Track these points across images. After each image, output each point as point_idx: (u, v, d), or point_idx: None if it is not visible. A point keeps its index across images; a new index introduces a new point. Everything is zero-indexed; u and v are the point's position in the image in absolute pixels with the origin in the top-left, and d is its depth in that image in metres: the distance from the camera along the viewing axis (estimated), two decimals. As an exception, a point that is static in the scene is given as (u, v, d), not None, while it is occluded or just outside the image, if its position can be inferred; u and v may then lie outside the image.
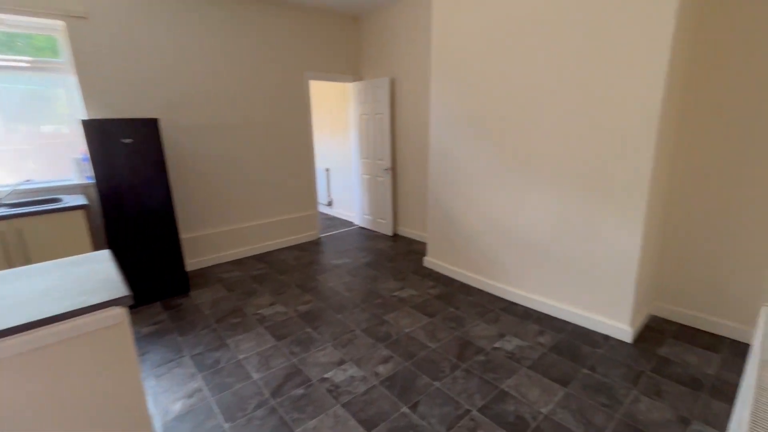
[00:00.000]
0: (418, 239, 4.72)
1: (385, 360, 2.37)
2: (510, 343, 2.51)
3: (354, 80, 4.95)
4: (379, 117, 4.72)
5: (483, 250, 3.26)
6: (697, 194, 2.49)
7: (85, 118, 3.10)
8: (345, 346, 2.52)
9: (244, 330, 2.75)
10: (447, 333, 2.65)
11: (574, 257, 2.66)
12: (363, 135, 5.02)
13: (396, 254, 4.25)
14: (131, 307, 3.12)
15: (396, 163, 4.81)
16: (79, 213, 2.80)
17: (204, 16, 3.63)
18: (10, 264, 2.58)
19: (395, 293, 3.28)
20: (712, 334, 2.54)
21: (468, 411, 1.94)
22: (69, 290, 1.26)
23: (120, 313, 1.21)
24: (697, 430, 1.79)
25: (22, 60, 2.97)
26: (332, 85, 5.54)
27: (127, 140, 2.93)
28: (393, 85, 4.58)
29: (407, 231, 4.87)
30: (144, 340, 2.64)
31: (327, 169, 6.05)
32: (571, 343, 2.49)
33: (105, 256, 1.61)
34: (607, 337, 2.54)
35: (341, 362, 2.35)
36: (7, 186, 2.93)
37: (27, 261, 2.63)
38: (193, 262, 3.93)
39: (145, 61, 3.38)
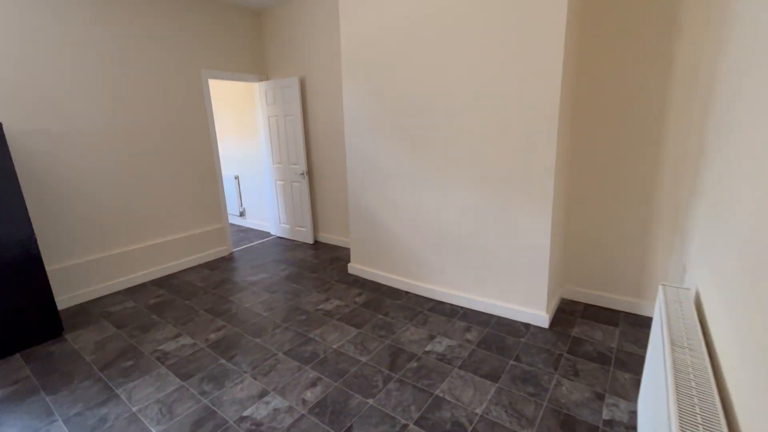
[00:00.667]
0: (341, 245, 4.55)
1: (313, 383, 2.16)
2: (440, 345, 2.48)
3: (260, 80, 4.59)
4: (290, 119, 4.44)
5: (407, 251, 3.22)
6: (590, 187, 2.73)
7: None
8: (266, 375, 2.24)
9: (140, 374, 2.29)
10: (377, 343, 2.53)
11: (492, 252, 2.74)
12: (274, 138, 4.68)
13: (319, 263, 4.02)
14: (-23, 366, 2.42)
15: (312, 166, 4.57)
16: None
17: (80, 3, 3.00)
18: None
19: (320, 306, 3.07)
20: (611, 310, 2.82)
21: (405, 426, 1.83)
22: None
23: None
24: (612, 404, 1.92)
25: None
26: (237, 86, 5.08)
27: (-46, 152, 2.26)
28: (303, 84, 4.34)
29: (329, 237, 4.67)
30: (-4, 409, 2.05)
31: (236, 177, 5.55)
32: (497, 336, 2.55)
33: None
34: (527, 326, 2.66)
35: (263, 394, 2.08)
36: None
37: None
38: (67, 298, 3.23)
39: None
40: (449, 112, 2.71)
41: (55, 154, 3.07)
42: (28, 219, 2.56)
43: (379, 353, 2.42)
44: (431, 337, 2.58)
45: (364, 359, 2.36)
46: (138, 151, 3.56)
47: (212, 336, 2.68)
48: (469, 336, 2.57)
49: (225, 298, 3.27)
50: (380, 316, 2.87)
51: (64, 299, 3.21)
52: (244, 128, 5.21)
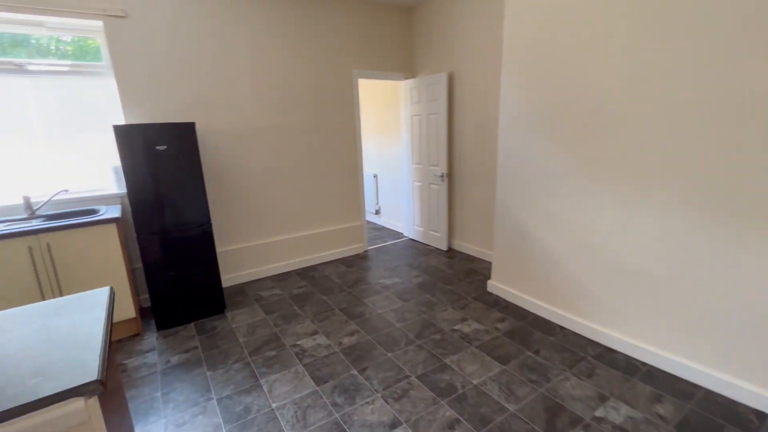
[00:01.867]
0: (478, 256, 4.14)
1: (450, 425, 1.85)
2: (617, 413, 1.89)
3: (406, 78, 4.49)
4: (434, 118, 4.21)
5: (568, 278, 2.64)
6: None
7: (122, 123, 2.90)
8: (398, 400, 2.03)
9: (280, 367, 2.36)
10: (527, 389, 2.08)
11: (710, 302, 1.98)
12: (415, 138, 4.53)
13: (453, 274, 3.70)
14: (163, 328, 2.86)
15: (453, 169, 4.27)
16: (111, 227, 2.57)
17: (247, 11, 3.35)
18: (39, 282, 2.39)
19: (456, 326, 2.75)
20: None
21: None
22: (19, 368, 0.88)
23: (81, 409, 0.81)
24: None
25: (63, 64, 2.83)
26: (381, 84, 5.12)
27: (161, 147, 2.67)
28: (451, 81, 4.05)
29: (465, 246, 4.30)
30: (172, 374, 2.33)
31: (375, 175, 5.64)
32: (708, 422, 1.82)
33: (100, 299, 1.25)
34: (762, 415, 1.84)
35: (394, 424, 1.87)
36: (42, 197, 2.79)
37: (57, 275, 2.43)
38: (229, 277, 3.66)
39: (182, 61, 3.14)
40: (647, 106, 2.04)
41: (227, 151, 3.47)
42: (207, 206, 2.90)
43: (531, 405, 1.97)
44: (602, 398, 1.99)
45: (512, 408, 1.95)
46: (294, 150, 3.81)
47: (346, 340, 2.63)
48: (660, 410, 1.90)
49: (359, 300, 3.23)
50: (529, 354, 2.39)
51: (226, 279, 3.64)
52: (385, 127, 5.22)
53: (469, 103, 3.90)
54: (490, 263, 3.91)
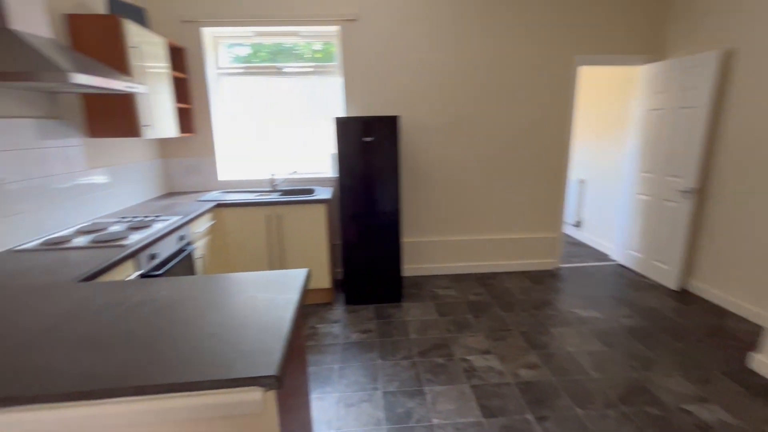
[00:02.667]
0: (734, 311, 2.93)
1: None
2: None
3: (648, 61, 3.50)
4: (686, 113, 3.14)
5: None
6: None
7: (342, 116, 3.27)
8: (588, 480, 1.56)
9: (446, 379, 2.20)
10: None
11: None
12: (649, 139, 3.52)
13: (689, 328, 2.72)
14: (350, 303, 3.14)
15: (707, 183, 3.11)
16: (322, 206, 2.94)
17: (459, 6, 3.22)
18: (269, 241, 2.95)
19: (688, 406, 1.96)
20: None
21: None
22: (227, 341, 0.96)
23: (258, 400, 0.80)
24: None
25: (308, 66, 3.38)
26: (607, 72, 4.20)
27: (368, 138, 2.86)
28: (725, 62, 2.90)
29: (712, 292, 3.11)
30: (349, 351, 2.51)
31: (581, 181, 4.76)
32: None
33: (297, 281, 1.33)
34: None
35: None
36: (281, 176, 3.44)
37: (281, 240, 2.95)
38: (409, 268, 3.73)
39: (394, 59, 3.28)
40: None
41: (423, 145, 3.48)
42: (399, 196, 2.98)
43: None
44: None
45: None
46: (491, 147, 3.53)
47: (523, 372, 2.24)
48: None
49: (545, 327, 2.74)
50: (839, 501, 1.46)
51: (406, 269, 3.74)
52: (605, 124, 4.28)
53: (755, 93, 2.71)
54: (756, 326, 2.69)
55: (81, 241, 1.87)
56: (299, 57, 3.40)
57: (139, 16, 2.62)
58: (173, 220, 2.26)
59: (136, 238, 1.91)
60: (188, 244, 2.37)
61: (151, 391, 0.79)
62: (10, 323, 1.08)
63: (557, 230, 3.78)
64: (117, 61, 2.29)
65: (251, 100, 3.42)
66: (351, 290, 3.13)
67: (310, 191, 3.30)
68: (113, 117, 2.37)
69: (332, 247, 3.16)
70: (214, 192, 3.29)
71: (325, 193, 3.14)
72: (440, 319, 2.88)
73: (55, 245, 1.81)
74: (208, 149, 3.35)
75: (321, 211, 2.95)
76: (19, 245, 1.83)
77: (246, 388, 0.81)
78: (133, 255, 1.78)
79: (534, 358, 2.38)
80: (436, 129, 3.46)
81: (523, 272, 3.77)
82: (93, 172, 2.42)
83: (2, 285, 1.37)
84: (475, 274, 3.73)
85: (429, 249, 3.71)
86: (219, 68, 3.31)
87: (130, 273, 1.77)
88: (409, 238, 3.69)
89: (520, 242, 3.77)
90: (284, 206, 2.91)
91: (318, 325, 2.83)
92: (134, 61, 2.34)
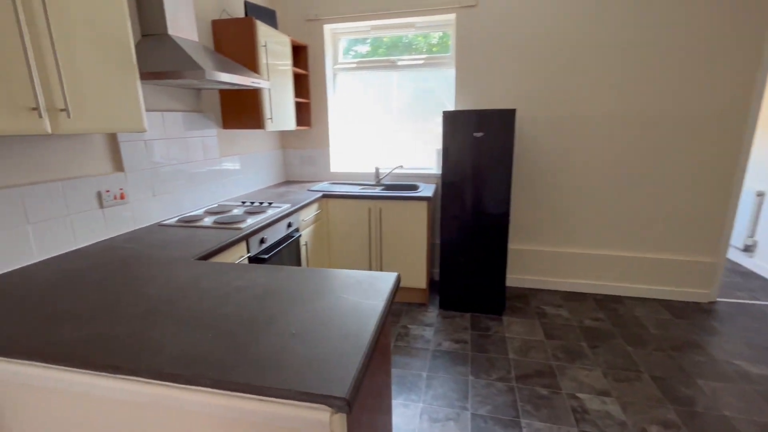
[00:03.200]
0: None
1: None
2: None
3: None
4: None
5: None
6: None
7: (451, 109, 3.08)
8: None
9: (549, 415, 1.89)
10: None
11: None
12: None
13: None
14: (444, 308, 2.98)
15: None
16: (423, 204, 2.83)
17: (609, -29, 2.71)
18: (369, 234, 2.96)
19: None
20: None
21: None
22: (307, 344, 0.92)
23: (324, 421, 0.72)
24: None
25: (419, 58, 3.27)
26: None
27: (478, 134, 2.62)
28: None
29: None
30: (439, 360, 2.36)
31: (759, 194, 3.69)
32: None
33: (385, 286, 1.24)
34: None
35: None
36: (387, 170, 3.43)
37: (381, 234, 2.94)
38: (514, 278, 3.38)
39: (513, 47, 2.94)
40: None
41: (542, 142, 3.07)
42: (509, 198, 2.68)
43: None
44: None
45: None
46: (630, 145, 2.94)
47: (654, 430, 1.80)
48: None
49: (689, 376, 2.17)
50: None
51: (510, 278, 3.39)
52: (810, 120, 3.20)
53: None
54: None
55: (207, 221, 2.10)
56: (415, 50, 3.32)
57: (271, 18, 2.85)
58: (284, 208, 2.41)
59: (250, 222, 2.06)
60: (295, 231, 2.50)
61: (226, 387, 0.77)
62: (137, 293, 1.22)
63: (718, 254, 2.98)
64: (249, 59, 2.51)
65: (364, 95, 3.47)
66: (447, 294, 2.96)
67: (413, 187, 3.21)
68: (242, 111, 2.63)
69: (431, 246, 3.03)
70: (324, 182, 3.45)
71: (428, 190, 3.01)
72: (547, 342, 2.52)
73: (187, 223, 2.07)
74: (323, 142, 3.52)
75: (422, 209, 2.84)
76: (164, 220, 2.15)
77: (314, 405, 0.74)
78: (246, 238, 1.92)
79: (671, 415, 1.89)
80: (558, 124, 3.02)
81: (659, 300, 3.08)
82: (224, 160, 2.72)
83: (148, 254, 1.59)
84: (594, 295, 3.19)
85: (539, 259, 3.30)
86: (337, 64, 3.43)
87: (242, 254, 1.92)
88: (516, 245, 3.33)
89: (660, 264, 3.08)
90: (385, 201, 2.88)
91: (410, 326, 2.74)
92: (262, 58, 2.54)
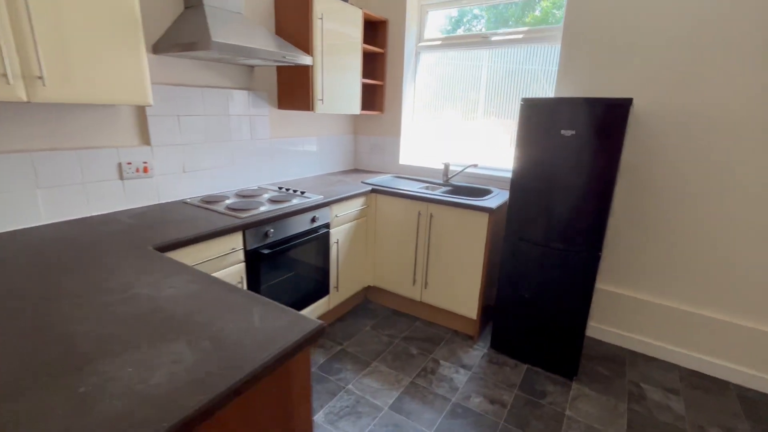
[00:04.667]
0: None
1: None
2: None
3: None
4: None
5: None
6: None
7: (533, 97, 2.34)
8: None
9: None
10: None
11: None
12: None
13: None
14: (495, 348, 2.35)
15: None
16: (483, 216, 2.24)
17: None
18: (416, 242, 2.52)
19: None
20: None
21: None
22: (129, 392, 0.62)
23: None
24: None
25: (519, 32, 2.58)
26: None
27: (568, 131, 1.89)
28: None
29: None
30: (458, 419, 1.83)
31: None
32: None
33: (283, 340, 0.85)
34: None
35: None
36: (459, 167, 2.87)
37: (429, 244, 2.46)
38: (604, 329, 2.48)
39: (648, 13, 2.01)
40: None
41: (675, 148, 2.08)
42: (605, 223, 1.90)
43: None
44: None
45: None
46: None
47: None
48: None
49: None
50: None
51: (594, 327, 2.51)
52: None
53: None
54: None
55: (227, 203, 2.00)
56: (515, 23, 2.64)
57: (341, -11, 2.57)
58: (310, 200, 2.16)
59: (257, 211, 1.88)
60: (324, 226, 2.24)
61: None
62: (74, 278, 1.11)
63: None
64: (302, 33, 2.30)
65: (447, 79, 2.96)
66: (501, 333, 2.33)
67: (484, 192, 2.61)
68: (294, 90, 2.45)
69: (489, 268, 2.41)
70: (387, 175, 3.10)
71: (501, 197, 2.39)
72: (626, 443, 1.72)
73: (208, 203, 2.00)
74: (394, 130, 3.16)
75: (481, 221, 2.25)
76: (188, 197, 2.13)
77: None
78: (243, 228, 1.74)
79: None
80: (694, 128, 2.00)
81: None
82: (277, 141, 2.61)
83: (122, 234, 1.53)
84: (741, 388, 2.11)
85: (649, 312, 2.34)
86: (421, 41, 2.98)
87: (236, 246, 1.74)
88: (612, 286, 2.44)
89: None
90: (438, 205, 2.38)
91: (442, 362, 2.24)
92: (317, 33, 2.30)
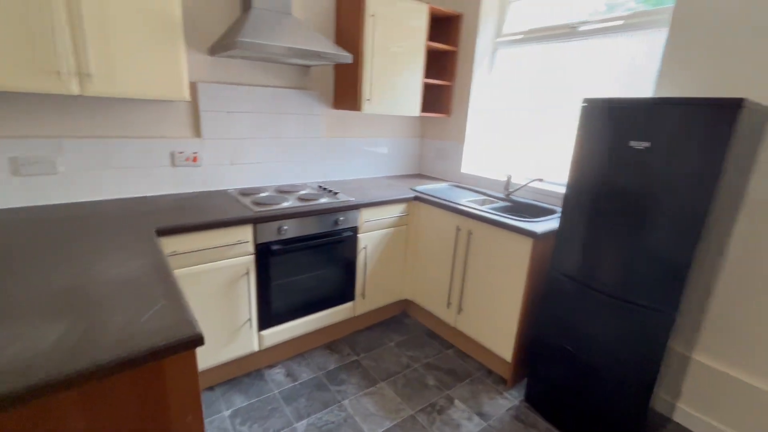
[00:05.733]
0: None
1: None
2: None
3: None
4: None
5: None
6: None
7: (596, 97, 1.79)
8: None
9: None
10: None
11: None
12: None
13: None
14: (529, 401, 1.92)
15: None
16: (526, 242, 1.85)
17: None
18: (453, 260, 2.24)
19: None
20: None
21: None
22: None
23: None
24: None
25: (617, 18, 2.06)
26: None
27: (641, 143, 1.41)
28: None
29: None
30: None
31: None
32: None
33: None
34: None
35: None
36: (523, 180, 2.45)
37: (465, 266, 2.17)
38: (683, 409, 1.79)
39: None
40: None
41: None
42: (688, 262, 1.36)
43: None
44: None
45: None
46: None
47: None
48: None
49: None
50: None
51: (665, 403, 1.82)
52: None
53: None
54: None
55: (256, 197, 2.08)
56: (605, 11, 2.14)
57: (406, -16, 2.44)
58: (336, 202, 2.11)
59: (270, 207, 1.90)
60: (350, 230, 2.17)
61: None
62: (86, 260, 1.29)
63: None
64: (354, 31, 2.27)
65: (524, 78, 2.57)
66: (537, 385, 1.90)
67: (545, 212, 2.18)
68: (346, 90, 2.43)
69: (531, 303, 1.96)
70: (445, 183, 2.85)
71: (551, 221, 1.95)
72: None
73: (243, 195, 2.12)
74: (458, 134, 2.89)
75: (523, 248, 1.87)
76: (231, 188, 2.29)
77: None
78: (254, 222, 1.79)
79: None
80: None
81: None
82: (331, 139, 2.63)
83: (149, 215, 1.72)
84: None
85: (756, 402, 1.60)
86: (500, 36, 2.65)
87: (245, 239, 1.79)
88: (703, 356, 1.74)
89: None
90: (477, 221, 2.07)
91: (456, 401, 1.93)
92: (368, 30, 2.23)
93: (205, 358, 1.83)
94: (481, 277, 2.10)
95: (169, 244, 1.59)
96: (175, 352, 0.82)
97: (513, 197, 2.46)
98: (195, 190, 2.17)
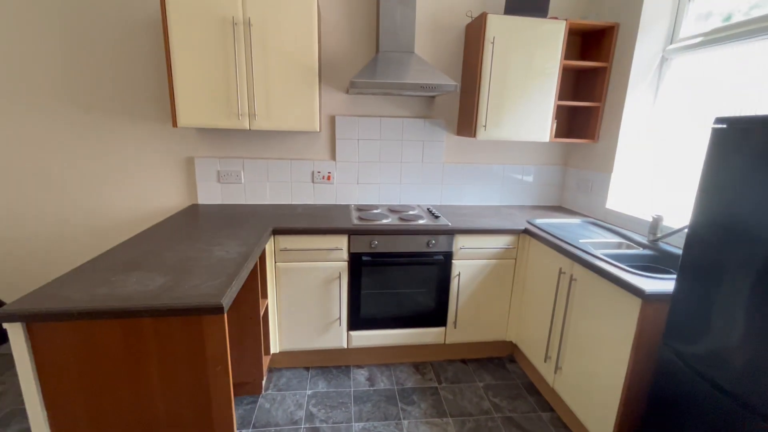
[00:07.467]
0: None
1: None
2: None
3: None
4: None
5: None
6: None
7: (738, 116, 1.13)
8: None
9: None
10: None
11: None
12: None
13: None
14: None
15: None
16: (632, 302, 1.44)
17: None
18: (554, 306, 1.93)
19: None
20: None
21: None
22: None
23: None
24: None
25: None
26: None
27: (793, 182, 0.93)
28: None
29: None
30: None
31: None
32: None
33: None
34: None
35: None
36: (675, 224, 1.86)
37: (565, 315, 1.83)
38: None
39: None
40: None
41: None
42: None
43: None
44: None
45: None
46: None
47: None
48: None
49: None
50: None
51: None
52: None
53: None
54: None
55: (366, 213, 2.38)
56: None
57: (540, 5, 2.28)
58: (431, 224, 2.16)
59: (379, 223, 2.13)
60: (443, 254, 2.18)
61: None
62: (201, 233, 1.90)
63: None
64: (475, 58, 2.30)
65: (696, 94, 1.98)
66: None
67: (665, 271, 1.61)
68: (467, 117, 2.47)
69: (637, 381, 1.41)
70: (580, 219, 2.45)
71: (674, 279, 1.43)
72: None
73: (358, 210, 2.46)
74: (605, 164, 2.44)
75: (629, 310, 1.45)
76: (353, 203, 2.65)
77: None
78: (348, 233, 2.07)
79: None
80: None
81: None
82: (452, 165, 2.71)
83: (280, 218, 2.24)
84: None
85: None
86: (673, 42, 2.14)
87: (340, 246, 2.09)
88: None
89: None
90: (580, 266, 1.72)
91: (524, 472, 1.65)
92: (487, 55, 2.22)
93: (305, 340, 2.20)
94: (583, 334, 1.73)
95: (281, 242, 2.04)
96: (205, 312, 1.14)
97: (661, 244, 1.90)
98: (326, 203, 2.65)
